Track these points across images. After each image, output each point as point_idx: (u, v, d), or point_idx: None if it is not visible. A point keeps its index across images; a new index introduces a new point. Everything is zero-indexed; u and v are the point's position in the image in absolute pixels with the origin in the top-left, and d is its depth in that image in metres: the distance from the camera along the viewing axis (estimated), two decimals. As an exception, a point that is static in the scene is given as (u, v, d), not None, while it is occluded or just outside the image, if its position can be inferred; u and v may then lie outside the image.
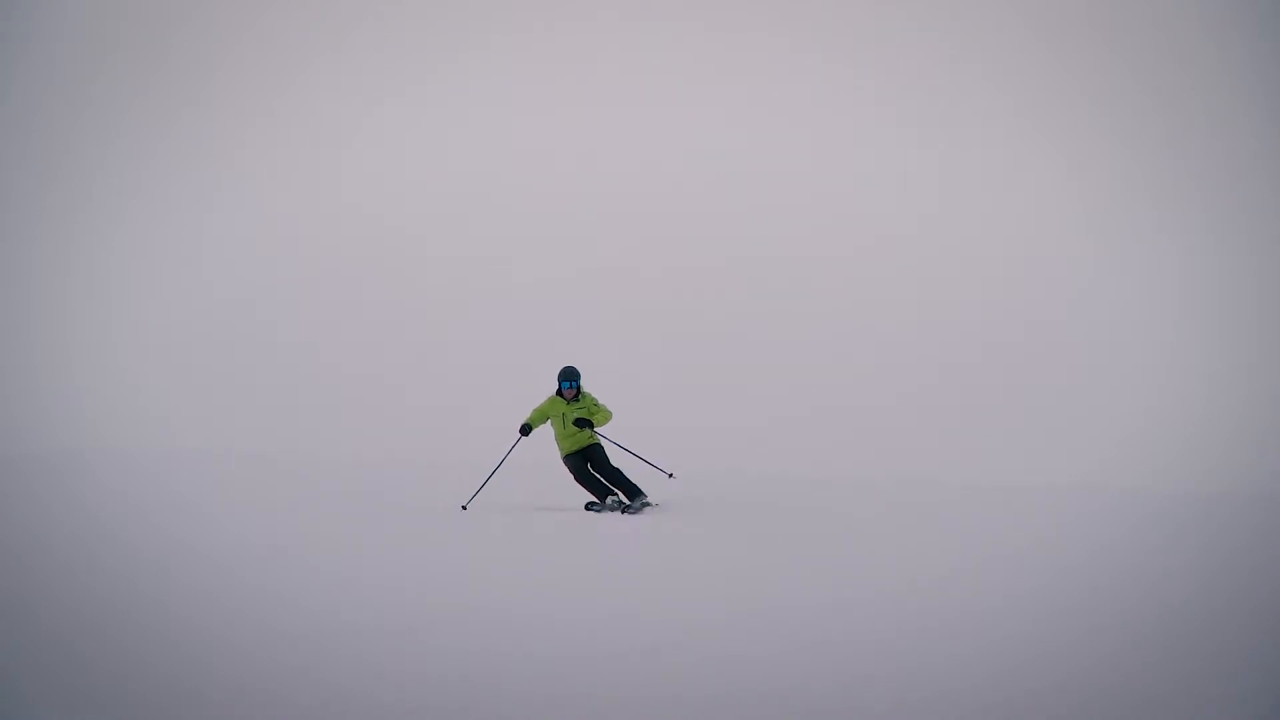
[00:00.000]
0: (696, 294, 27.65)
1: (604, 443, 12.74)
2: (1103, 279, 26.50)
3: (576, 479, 12.28)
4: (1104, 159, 26.96)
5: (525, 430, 12.34)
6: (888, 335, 26.40)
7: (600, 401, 12.82)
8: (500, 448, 12.93)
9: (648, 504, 11.91)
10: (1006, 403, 20.63)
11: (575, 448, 12.39)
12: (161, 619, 5.69)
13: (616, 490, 12.18)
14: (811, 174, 28.64)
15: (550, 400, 12.60)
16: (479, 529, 9.06)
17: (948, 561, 7.49)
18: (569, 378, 12.64)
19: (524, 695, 4.68)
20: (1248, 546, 8.13)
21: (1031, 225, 27.51)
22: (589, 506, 12.04)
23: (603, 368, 13.88)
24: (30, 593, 6.25)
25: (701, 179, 28.97)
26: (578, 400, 12.60)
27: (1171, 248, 25.90)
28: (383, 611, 5.91)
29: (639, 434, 17.29)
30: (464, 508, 11.92)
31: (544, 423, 12.51)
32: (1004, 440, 16.34)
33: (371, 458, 14.30)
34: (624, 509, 11.85)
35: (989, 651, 5.29)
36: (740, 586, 6.69)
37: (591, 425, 12.50)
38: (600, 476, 12.33)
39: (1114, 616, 5.96)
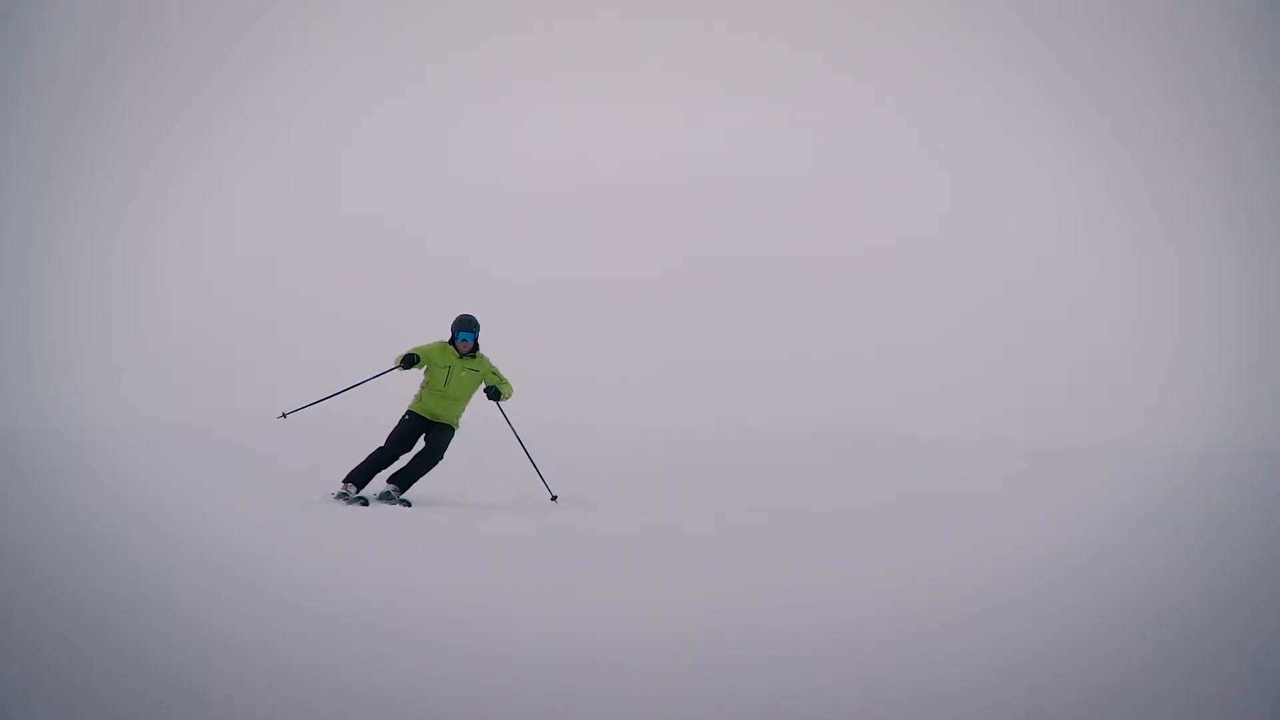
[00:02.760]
0: (696, 292, 27.64)
1: (504, 432, 11.20)
2: (1103, 282, 26.50)
3: (389, 441, 10.50)
4: (1108, 154, 26.94)
5: (410, 362, 10.54)
6: (886, 336, 26.40)
7: (501, 371, 11.00)
8: (495, 442, 12.48)
9: (391, 497, 10.32)
10: (1007, 402, 20.65)
11: (432, 412, 10.68)
12: (161, 619, 5.69)
13: (397, 480, 10.44)
14: (811, 174, 28.63)
15: (440, 347, 10.80)
16: (479, 528, 9.05)
17: (948, 561, 7.49)
18: (468, 328, 10.77)
19: (523, 695, 4.68)
20: (1248, 546, 8.13)
21: (1032, 225, 27.49)
22: (341, 496, 10.27)
23: (600, 367, 13.64)
24: (29, 592, 6.25)
25: (701, 179, 28.96)
26: (473, 356, 10.83)
27: (1175, 246, 25.89)
28: (383, 611, 5.91)
29: (643, 432, 17.24)
30: (284, 415, 10.95)
31: (421, 368, 10.70)
32: (1004, 438, 16.34)
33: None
34: (363, 500, 10.20)
35: (989, 651, 5.28)
36: (740, 586, 6.69)
37: (499, 396, 10.83)
38: (415, 457, 10.54)
39: (1114, 616, 5.96)
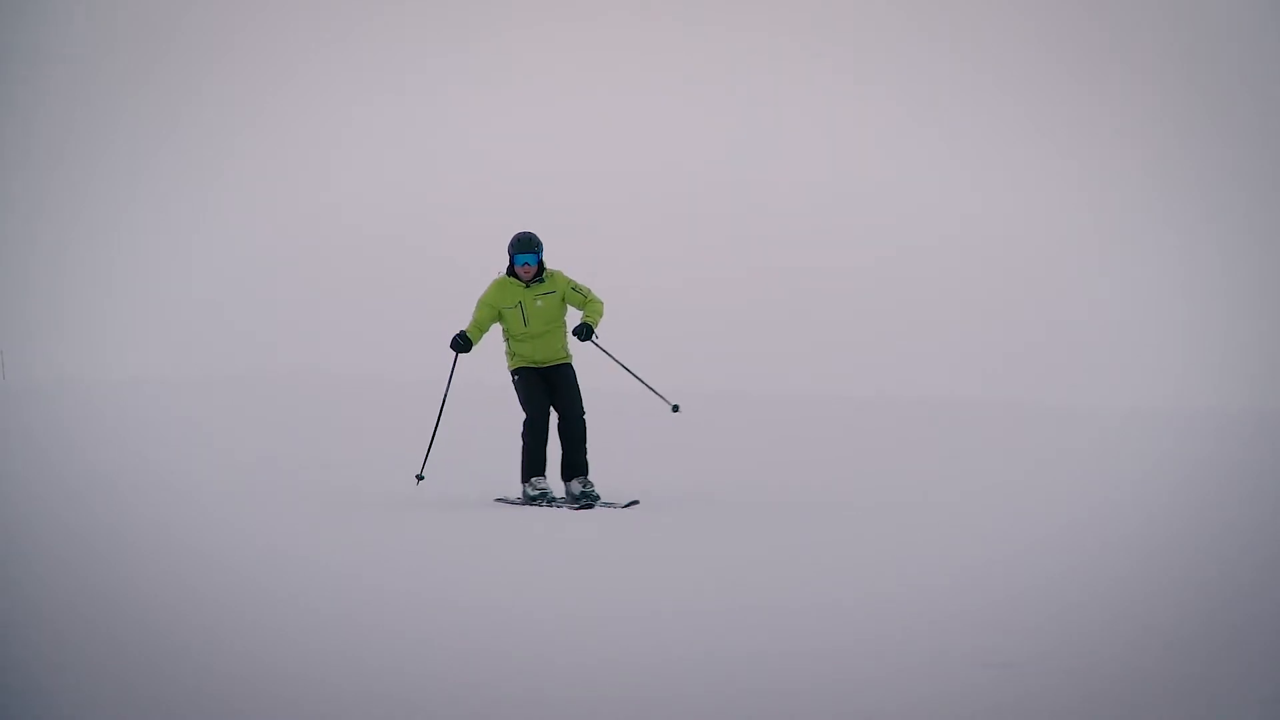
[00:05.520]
0: (698, 293, 27.64)
1: (594, 358, 9.27)
2: (1112, 280, 26.52)
3: (528, 409, 8.73)
4: (1111, 150, 26.95)
5: (463, 344, 8.71)
6: (886, 337, 26.41)
7: (580, 284, 8.94)
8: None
9: (597, 498, 8.78)
10: (1007, 408, 20.68)
11: (535, 359, 8.80)
12: (165, 621, 5.68)
13: (571, 471, 8.89)
14: (813, 174, 28.62)
15: (498, 287, 8.83)
16: (480, 527, 9.02)
17: (949, 561, 7.48)
18: (527, 248, 8.71)
19: (521, 695, 4.67)
20: (1250, 545, 8.12)
21: (1047, 223, 27.51)
22: (538, 498, 8.89)
23: (598, 367, 13.46)
24: (29, 591, 6.24)
25: (702, 179, 28.96)
26: (541, 281, 8.81)
27: (1178, 244, 25.91)
28: (383, 611, 5.91)
29: (640, 425, 17.22)
30: (420, 478, 9.37)
31: (492, 325, 8.84)
32: (1004, 443, 16.36)
33: (369, 459, 14.20)
34: (575, 502, 8.75)
35: (988, 651, 5.27)
36: (740, 587, 6.68)
37: (591, 334, 8.84)
38: (560, 436, 8.88)
39: (1115, 616, 5.95)
